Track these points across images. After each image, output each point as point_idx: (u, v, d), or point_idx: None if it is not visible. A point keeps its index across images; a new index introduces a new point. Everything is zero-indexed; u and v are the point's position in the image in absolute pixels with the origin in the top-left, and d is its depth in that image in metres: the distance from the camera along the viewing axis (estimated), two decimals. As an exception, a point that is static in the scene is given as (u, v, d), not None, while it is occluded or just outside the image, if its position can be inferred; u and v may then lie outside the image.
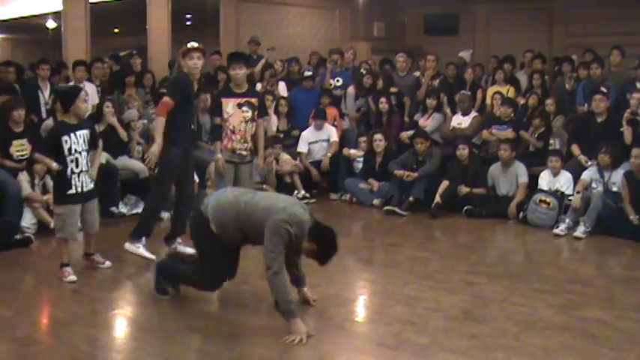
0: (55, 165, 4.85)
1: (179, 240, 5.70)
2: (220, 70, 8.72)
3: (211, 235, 4.16)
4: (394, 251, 6.11)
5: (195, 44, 5.38)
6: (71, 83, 7.75)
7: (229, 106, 5.86)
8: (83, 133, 4.94)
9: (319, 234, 3.98)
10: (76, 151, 4.89)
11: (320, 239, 3.97)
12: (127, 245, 5.44)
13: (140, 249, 5.44)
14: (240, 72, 5.85)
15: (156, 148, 5.20)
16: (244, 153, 5.92)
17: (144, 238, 5.47)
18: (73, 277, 4.93)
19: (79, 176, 4.90)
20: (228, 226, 4.12)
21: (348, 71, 9.50)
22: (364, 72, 9.06)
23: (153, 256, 5.38)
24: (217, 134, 5.95)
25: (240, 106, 5.86)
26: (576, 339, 3.87)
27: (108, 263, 5.12)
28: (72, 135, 4.87)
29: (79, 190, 4.90)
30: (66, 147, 4.85)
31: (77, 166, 4.90)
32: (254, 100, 5.94)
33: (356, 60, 9.86)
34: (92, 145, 5.09)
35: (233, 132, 5.86)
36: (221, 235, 4.15)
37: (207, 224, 4.16)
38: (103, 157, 6.48)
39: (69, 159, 4.86)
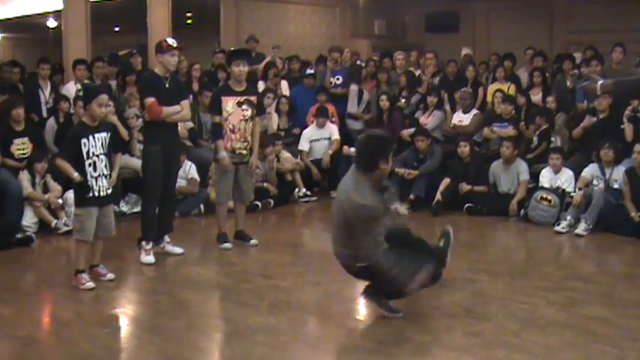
0: (76, 175, 4.70)
1: (167, 239, 5.65)
2: (220, 68, 8.71)
3: None
4: (395, 249, 6.09)
5: (174, 41, 5.31)
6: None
7: (229, 104, 5.72)
8: (102, 137, 4.80)
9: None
10: (93, 154, 4.75)
11: None
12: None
13: (142, 255, 5.42)
14: (244, 69, 5.75)
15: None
16: (244, 152, 5.80)
17: (144, 243, 5.43)
18: (90, 284, 4.76)
19: (96, 180, 4.76)
20: None
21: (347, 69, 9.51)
22: (363, 64, 9.15)
23: (151, 261, 5.35)
24: (218, 133, 5.78)
25: (240, 104, 5.73)
26: (577, 336, 3.86)
27: (110, 275, 4.96)
28: (90, 138, 4.74)
29: (97, 194, 4.77)
30: (84, 150, 4.72)
31: (95, 170, 4.75)
32: (253, 99, 5.84)
33: (354, 58, 9.86)
34: (112, 148, 4.97)
35: (232, 131, 5.73)
36: None
37: None
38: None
39: (87, 162, 4.72)
